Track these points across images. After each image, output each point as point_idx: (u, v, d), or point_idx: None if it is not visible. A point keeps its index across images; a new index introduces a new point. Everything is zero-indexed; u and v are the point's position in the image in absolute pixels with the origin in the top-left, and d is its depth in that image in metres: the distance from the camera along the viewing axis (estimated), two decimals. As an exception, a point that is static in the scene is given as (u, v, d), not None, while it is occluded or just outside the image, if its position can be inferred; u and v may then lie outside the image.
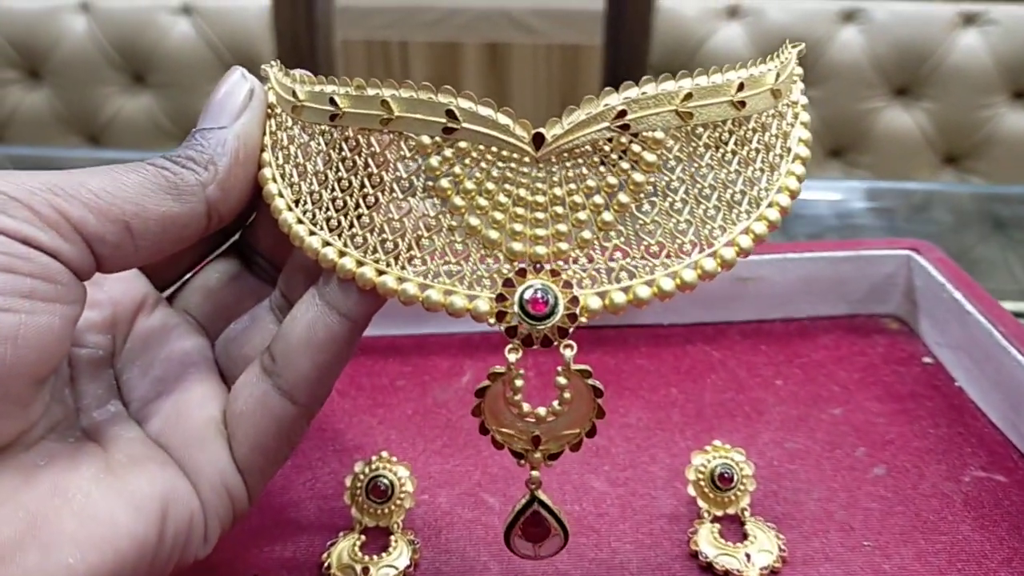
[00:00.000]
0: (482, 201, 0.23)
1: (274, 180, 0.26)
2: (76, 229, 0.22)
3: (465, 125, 0.23)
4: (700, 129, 0.24)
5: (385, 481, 0.33)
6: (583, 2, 2.19)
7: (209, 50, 1.28)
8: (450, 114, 0.23)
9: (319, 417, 0.39)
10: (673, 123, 0.23)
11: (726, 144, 0.24)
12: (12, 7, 1.28)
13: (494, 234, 0.23)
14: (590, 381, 0.24)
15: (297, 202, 0.26)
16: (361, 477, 0.33)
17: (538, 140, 0.23)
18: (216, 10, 1.28)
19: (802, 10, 1.28)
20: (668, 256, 0.23)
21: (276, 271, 0.30)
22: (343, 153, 0.25)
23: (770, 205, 0.25)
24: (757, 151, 0.25)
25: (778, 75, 0.25)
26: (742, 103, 0.24)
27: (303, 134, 0.26)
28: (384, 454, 0.34)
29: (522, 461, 0.25)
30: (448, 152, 0.23)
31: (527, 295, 0.23)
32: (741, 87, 0.24)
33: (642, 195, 0.23)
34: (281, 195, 0.26)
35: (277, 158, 0.27)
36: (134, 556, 0.23)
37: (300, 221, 0.25)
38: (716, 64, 0.24)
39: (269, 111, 0.27)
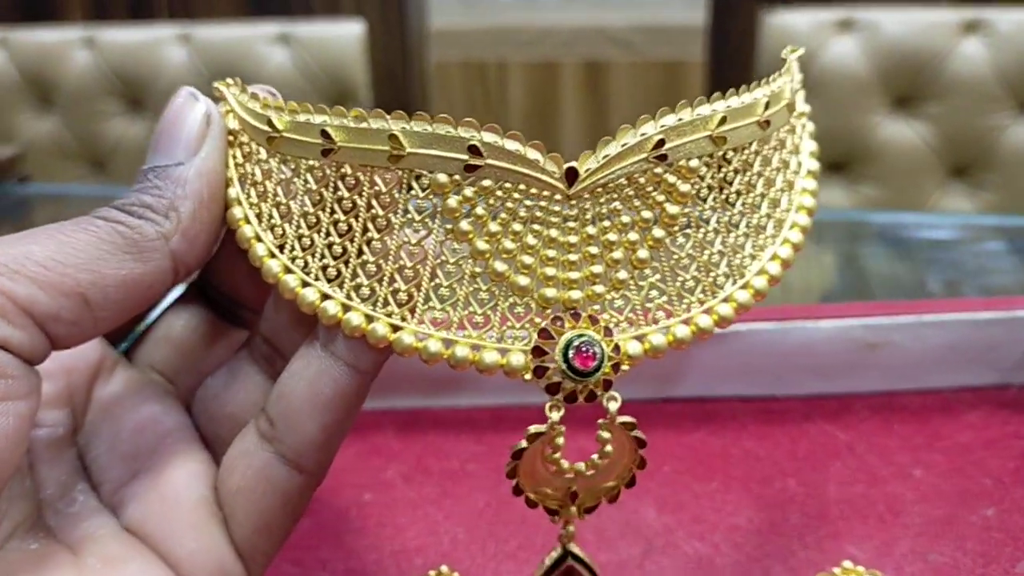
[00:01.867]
0: (509, 244, 0.21)
1: (247, 221, 0.22)
2: (24, 311, 0.19)
3: (490, 161, 0.20)
4: (731, 154, 0.22)
5: (445, 605, 0.28)
6: (683, 17, 2.13)
7: (305, 78, 1.27)
8: (473, 150, 0.20)
9: (377, 510, 0.34)
10: (708, 149, 0.21)
11: (752, 167, 0.23)
12: (116, 39, 1.29)
13: (524, 280, 0.21)
14: (634, 433, 0.22)
15: (282, 248, 0.22)
16: (418, 598, 0.28)
17: (571, 176, 0.20)
18: (312, 38, 1.27)
19: (921, 22, 1.19)
20: (703, 291, 0.22)
21: (246, 310, 0.26)
22: (339, 192, 0.21)
23: (792, 227, 0.24)
24: (778, 170, 0.24)
25: (794, 90, 0.24)
26: (767, 122, 0.23)
27: (284, 169, 0.22)
28: (444, 569, 0.29)
29: (556, 518, 0.23)
30: (469, 191, 0.20)
31: (571, 349, 0.20)
32: (767, 105, 0.22)
33: (676, 228, 0.22)
34: (259, 239, 0.22)
35: (249, 195, 0.23)
36: None
37: (289, 270, 0.22)
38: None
39: (231, 139, 0.23)
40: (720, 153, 0.22)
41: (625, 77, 2.21)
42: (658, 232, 0.21)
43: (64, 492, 0.23)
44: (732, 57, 1.35)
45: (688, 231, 0.22)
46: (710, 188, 0.22)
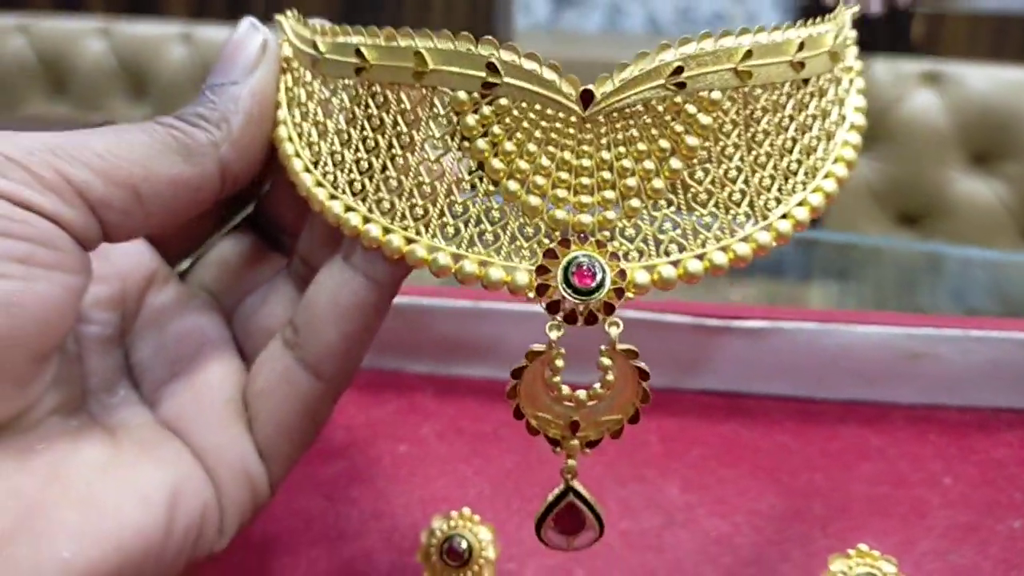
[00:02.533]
0: (523, 164, 0.21)
1: (290, 140, 0.24)
2: (79, 194, 0.20)
3: (507, 80, 0.20)
4: (758, 91, 0.22)
5: (463, 543, 0.29)
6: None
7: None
8: (491, 68, 0.20)
9: (410, 460, 0.36)
10: (731, 83, 0.21)
11: (784, 108, 0.23)
12: (212, 36, 1.34)
13: (535, 200, 0.21)
14: (635, 362, 0.22)
15: (316, 164, 0.23)
16: (438, 534, 0.29)
17: (586, 98, 0.20)
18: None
19: (1007, 79, 1.18)
20: (721, 229, 0.22)
21: (289, 236, 0.28)
22: (369, 110, 0.23)
23: (827, 176, 0.23)
24: (814, 117, 0.24)
25: (836, 36, 0.24)
26: (802, 64, 0.22)
27: (324, 89, 0.23)
28: (466, 511, 0.30)
29: (558, 449, 0.23)
30: (487, 110, 0.21)
31: (572, 267, 0.21)
32: (801, 47, 0.22)
33: (695, 161, 0.21)
34: (299, 155, 0.24)
35: (294, 116, 0.24)
36: (139, 551, 0.21)
37: (320, 184, 0.23)
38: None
39: (285, 65, 0.24)
40: (747, 89, 0.22)
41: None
42: (676, 163, 0.21)
43: (108, 385, 0.25)
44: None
45: (708, 165, 0.22)
46: (735, 124, 0.22)
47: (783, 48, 0.22)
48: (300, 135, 0.24)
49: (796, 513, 0.33)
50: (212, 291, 0.28)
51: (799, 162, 0.23)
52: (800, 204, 0.23)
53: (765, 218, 0.22)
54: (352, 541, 0.31)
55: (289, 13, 0.25)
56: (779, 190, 0.23)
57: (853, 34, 0.26)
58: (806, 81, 0.23)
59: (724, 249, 0.22)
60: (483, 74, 0.21)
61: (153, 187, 0.22)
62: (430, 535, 0.29)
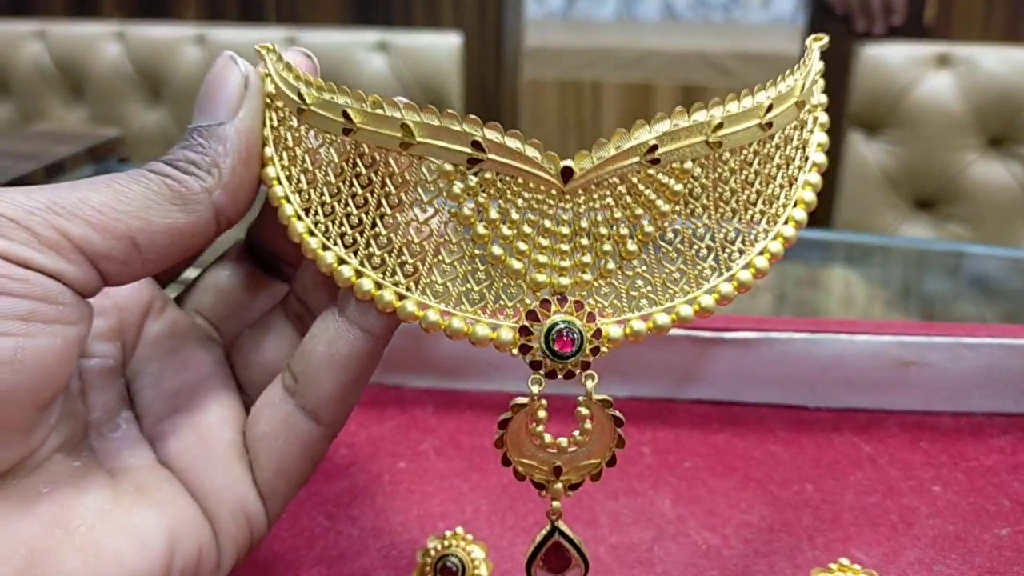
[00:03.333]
0: (506, 231, 0.23)
1: (279, 181, 0.25)
2: (79, 249, 0.21)
3: (491, 157, 0.22)
4: (727, 155, 0.23)
5: (455, 561, 0.30)
6: (782, 47, 2.12)
7: (400, 85, 1.31)
8: (476, 145, 0.22)
9: (408, 477, 0.36)
10: (703, 152, 0.23)
11: (750, 165, 0.24)
12: (226, 38, 1.35)
13: (517, 264, 0.23)
14: (610, 411, 0.23)
15: (307, 211, 0.24)
16: (432, 553, 0.30)
17: (566, 174, 0.22)
18: (410, 48, 1.31)
19: (1021, 61, 1.17)
20: (688, 283, 0.23)
21: (286, 265, 0.29)
22: (357, 168, 0.23)
23: (786, 222, 0.25)
24: (779, 167, 0.25)
25: (803, 85, 0.24)
26: (770, 124, 0.23)
27: (311, 137, 0.24)
28: (460, 530, 0.31)
29: (543, 492, 0.25)
30: (472, 180, 0.22)
31: (552, 333, 0.22)
32: (770, 108, 0.23)
33: (667, 224, 0.23)
34: (288, 200, 0.24)
35: (281, 158, 0.25)
36: None
37: (312, 233, 0.24)
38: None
39: (268, 102, 0.25)
40: (716, 155, 0.23)
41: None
42: (648, 227, 0.23)
43: (110, 417, 0.26)
44: (824, 89, 1.35)
45: (678, 227, 0.23)
46: (703, 187, 0.23)
47: (753, 113, 0.23)
48: (289, 178, 0.25)
49: (784, 525, 0.34)
50: (208, 318, 0.28)
51: (762, 212, 0.24)
52: (761, 253, 0.24)
53: (729, 269, 0.24)
54: (352, 560, 0.32)
55: (269, 46, 0.26)
56: (742, 241, 0.24)
57: (819, 66, 0.26)
58: (773, 135, 0.24)
59: (690, 302, 0.23)
60: (468, 150, 0.22)
61: (150, 237, 0.23)
62: (424, 555, 0.30)
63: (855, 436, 0.39)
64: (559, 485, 0.24)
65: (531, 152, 0.22)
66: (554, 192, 0.22)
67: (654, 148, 0.22)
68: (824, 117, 0.26)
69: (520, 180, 0.22)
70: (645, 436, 0.39)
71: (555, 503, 0.25)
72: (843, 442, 0.39)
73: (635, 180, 0.22)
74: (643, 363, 0.41)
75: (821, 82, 0.26)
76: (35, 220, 0.21)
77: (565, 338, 0.22)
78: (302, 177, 0.24)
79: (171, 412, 0.26)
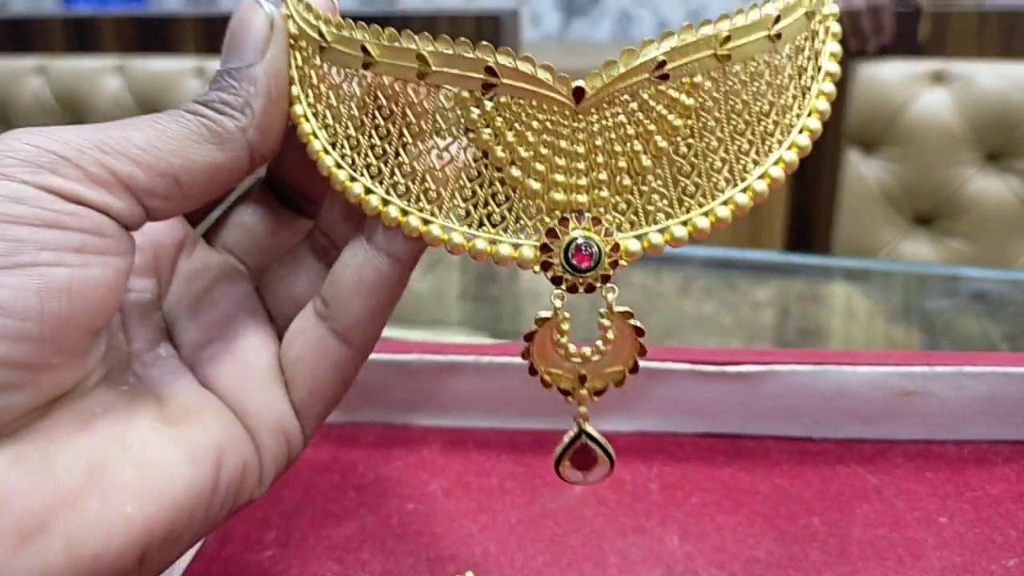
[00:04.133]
0: (523, 152, 0.23)
1: (306, 119, 0.26)
2: (125, 185, 0.23)
3: (505, 81, 0.23)
4: (736, 67, 0.24)
5: (467, 606, 0.30)
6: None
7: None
8: (489, 71, 0.23)
9: (417, 519, 0.37)
10: (712, 66, 0.23)
11: (761, 76, 0.24)
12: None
13: (535, 184, 0.24)
14: (631, 322, 0.25)
15: (334, 144, 0.25)
16: (443, 599, 0.30)
17: (578, 94, 0.23)
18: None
19: (1019, 76, 1.17)
20: (703, 195, 0.24)
21: (307, 201, 0.30)
22: (379, 101, 0.25)
23: (801, 131, 0.25)
24: (791, 77, 0.25)
25: None
26: (778, 35, 0.24)
27: (333, 74, 0.25)
28: (469, 574, 0.31)
29: (570, 398, 0.26)
30: (488, 105, 0.23)
31: (571, 248, 0.23)
32: (778, 19, 0.24)
33: (679, 138, 0.24)
34: (316, 136, 0.26)
35: (307, 95, 0.26)
36: (190, 505, 0.24)
37: (339, 165, 0.25)
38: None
39: (292, 42, 0.26)
40: (725, 67, 0.23)
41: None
42: (661, 142, 0.23)
43: (150, 347, 0.27)
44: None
45: (691, 140, 0.24)
46: (715, 100, 0.24)
47: (761, 25, 0.23)
48: (315, 115, 0.26)
49: (792, 560, 0.34)
50: (236, 253, 0.30)
51: (775, 123, 0.25)
52: (776, 163, 0.24)
53: (744, 180, 0.24)
54: (363, 604, 0.33)
55: None
56: (756, 152, 0.24)
57: None
58: (783, 47, 0.24)
59: (707, 214, 0.24)
60: (482, 76, 0.23)
61: (191, 174, 0.24)
62: (435, 601, 0.31)
63: (860, 467, 0.39)
64: (584, 391, 0.26)
65: (543, 75, 0.23)
66: (568, 112, 0.23)
67: (663, 64, 0.22)
68: (836, 27, 0.26)
69: (534, 102, 0.23)
70: (652, 471, 0.39)
71: (581, 408, 0.26)
72: (849, 474, 0.39)
73: (646, 96, 0.23)
74: (647, 397, 0.41)
75: None
76: (85, 158, 0.22)
77: (583, 253, 0.23)
78: (327, 113, 0.26)
79: (208, 341, 0.28)
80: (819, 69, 0.26)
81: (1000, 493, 0.37)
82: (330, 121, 0.26)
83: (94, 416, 0.24)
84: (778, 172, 0.24)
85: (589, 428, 0.27)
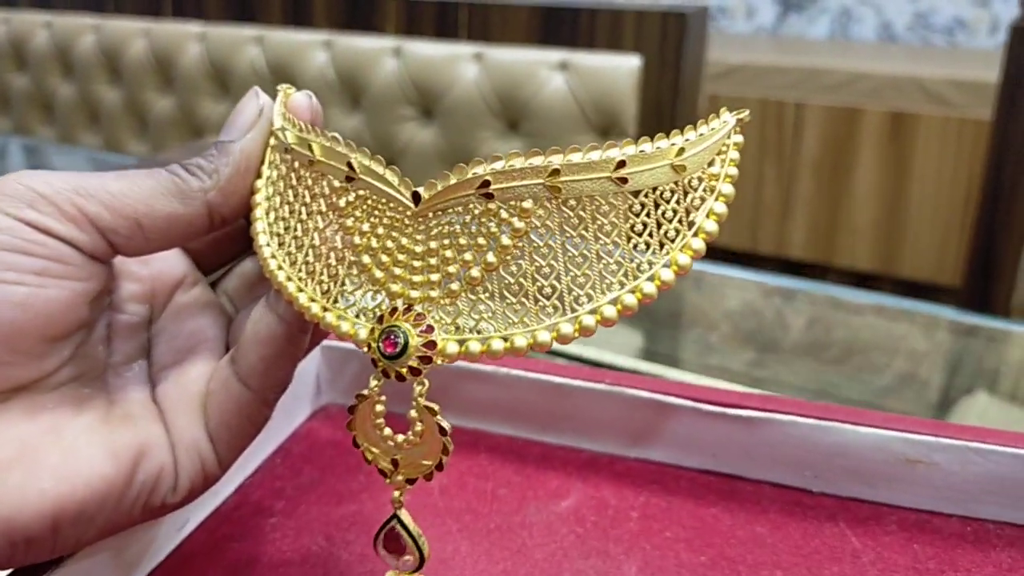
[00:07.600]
0: (374, 243, 0.27)
1: (260, 192, 0.31)
2: (92, 222, 0.28)
3: (361, 176, 0.26)
4: (572, 201, 0.25)
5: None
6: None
7: (576, 104, 1.35)
8: (349, 165, 0.27)
9: (409, 510, 0.40)
10: (543, 195, 0.25)
11: (605, 216, 0.25)
12: (420, 51, 1.43)
13: (379, 273, 0.27)
14: (436, 419, 0.26)
15: (267, 213, 0.30)
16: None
17: (416, 198, 0.26)
18: (590, 68, 1.34)
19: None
20: (528, 317, 0.25)
21: None
22: (291, 181, 0.29)
23: (651, 279, 0.25)
24: (645, 225, 0.25)
25: (682, 149, 0.25)
26: (623, 179, 0.25)
27: (283, 164, 0.30)
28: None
29: (388, 480, 0.28)
30: (352, 196, 0.27)
31: (383, 335, 0.26)
32: (622, 164, 0.24)
33: (510, 256, 0.25)
34: (259, 206, 0.31)
35: (272, 175, 0.31)
36: (103, 492, 0.28)
37: (264, 232, 0.30)
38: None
39: (275, 131, 0.31)
40: (560, 200, 0.25)
41: (934, 131, 2.10)
42: (491, 257, 0.25)
43: (127, 361, 0.32)
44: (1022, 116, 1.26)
45: (522, 262, 0.25)
46: (548, 228, 0.25)
47: (599, 166, 0.25)
48: (273, 192, 0.31)
49: (735, 609, 0.35)
50: (231, 298, 0.35)
51: (619, 264, 0.25)
52: (612, 303, 0.25)
53: (574, 311, 0.25)
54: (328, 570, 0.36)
55: (290, 87, 0.32)
56: (593, 288, 0.25)
57: (739, 140, 0.27)
58: (636, 192, 0.25)
59: (528, 335, 0.25)
60: (346, 170, 0.27)
61: (152, 220, 0.29)
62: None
63: (849, 528, 0.39)
64: (400, 477, 0.28)
65: (390, 176, 0.26)
66: (410, 213, 0.26)
67: (487, 183, 0.25)
68: (728, 189, 0.26)
69: (384, 200, 0.26)
70: (639, 500, 0.41)
71: (396, 493, 0.29)
72: (834, 533, 0.39)
73: (477, 212, 0.25)
74: (650, 427, 0.42)
75: (735, 155, 0.27)
76: (61, 198, 0.28)
77: (390, 340, 0.26)
78: (272, 188, 0.31)
79: (171, 365, 0.33)
80: (692, 224, 0.26)
81: (985, 577, 0.36)
82: (270, 194, 0.30)
83: (43, 409, 0.28)
84: (611, 311, 0.25)
85: (403, 515, 0.28)
